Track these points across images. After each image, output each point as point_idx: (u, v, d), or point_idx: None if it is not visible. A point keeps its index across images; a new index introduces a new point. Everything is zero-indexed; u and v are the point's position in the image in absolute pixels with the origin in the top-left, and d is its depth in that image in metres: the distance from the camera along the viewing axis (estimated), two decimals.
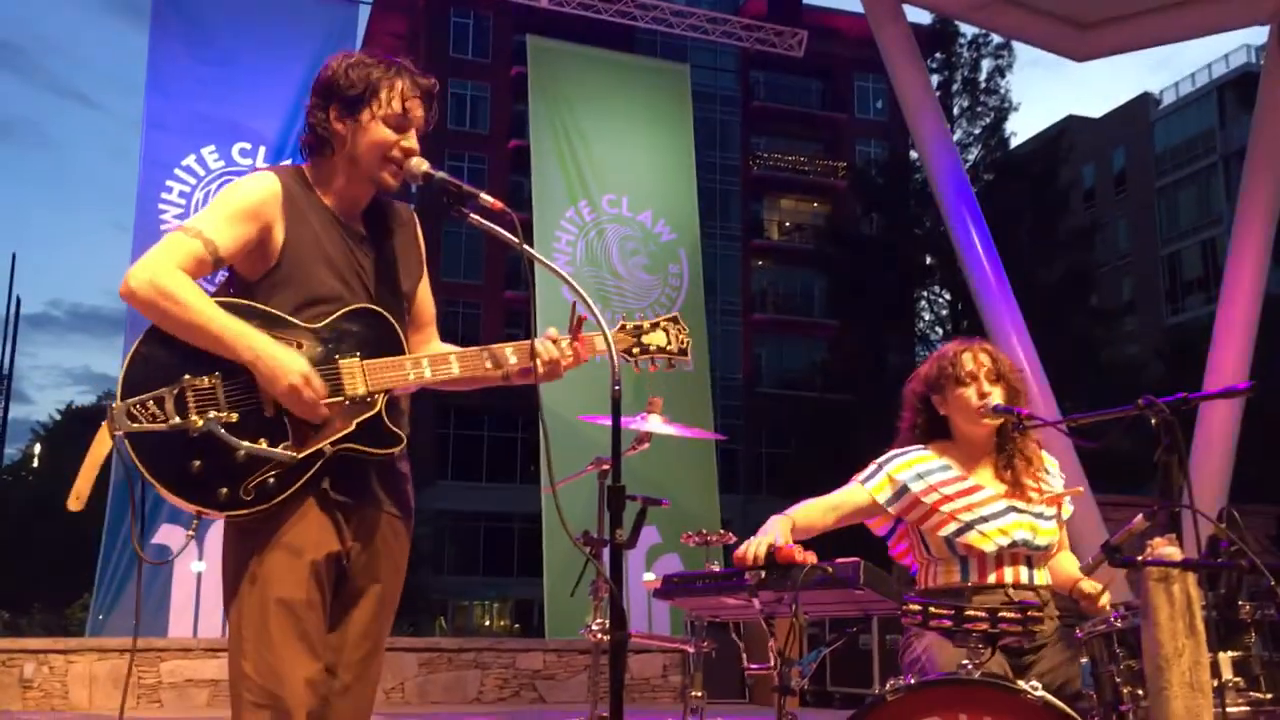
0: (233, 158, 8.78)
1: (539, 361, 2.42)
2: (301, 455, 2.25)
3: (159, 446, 2.20)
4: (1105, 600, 2.77)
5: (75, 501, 2.34)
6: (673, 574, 2.86)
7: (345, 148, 2.43)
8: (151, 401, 2.21)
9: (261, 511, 2.24)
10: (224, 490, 2.21)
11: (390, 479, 2.45)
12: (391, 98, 2.41)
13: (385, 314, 2.41)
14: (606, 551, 2.25)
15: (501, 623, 34.84)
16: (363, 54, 2.48)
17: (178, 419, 2.21)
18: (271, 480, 2.23)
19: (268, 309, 2.32)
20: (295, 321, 2.33)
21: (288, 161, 8.77)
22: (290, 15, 9.37)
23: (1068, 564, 2.98)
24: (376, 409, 2.33)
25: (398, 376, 2.36)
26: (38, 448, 39.57)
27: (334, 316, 2.35)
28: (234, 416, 2.23)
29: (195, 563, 8.07)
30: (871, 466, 3.00)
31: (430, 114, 2.50)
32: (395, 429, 2.38)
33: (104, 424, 2.24)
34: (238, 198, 2.37)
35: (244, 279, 2.38)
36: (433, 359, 2.41)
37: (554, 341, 2.45)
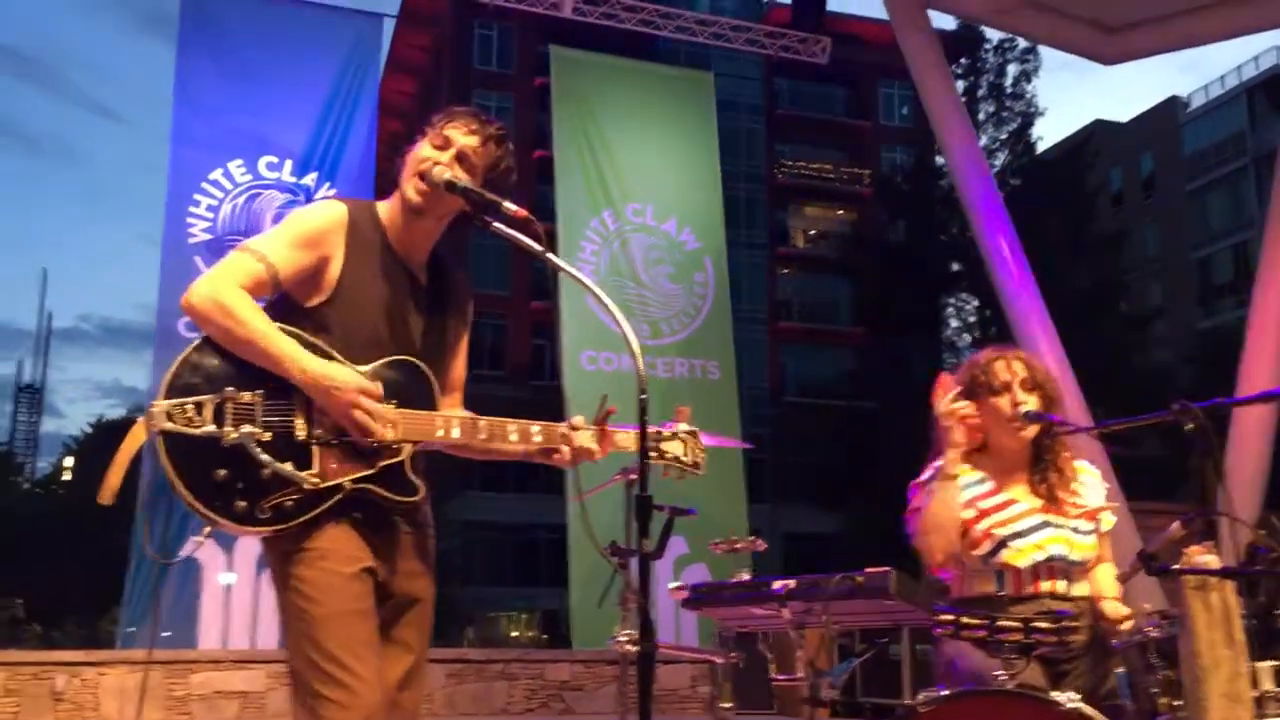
0: (260, 171, 8.83)
1: (563, 449, 2.50)
2: (323, 486, 2.29)
3: (189, 450, 2.24)
4: (1127, 626, 2.72)
5: (107, 494, 2.39)
6: (700, 584, 2.85)
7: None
8: (191, 406, 2.26)
9: (272, 532, 2.28)
10: (242, 504, 2.25)
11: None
12: (442, 126, 2.50)
13: (425, 369, 2.47)
14: (634, 562, 2.25)
15: (529, 633, 34.84)
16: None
17: (213, 427, 2.25)
18: (290, 504, 2.27)
19: (315, 341, 2.36)
20: (339, 359, 2.37)
21: (313, 176, 8.88)
22: (316, 29, 9.42)
23: (1103, 578, 2.91)
24: (401, 457, 2.39)
25: (428, 431, 2.41)
26: (69, 461, 39.92)
27: (378, 362, 2.39)
28: (267, 435, 2.28)
29: (224, 574, 8.10)
30: (925, 496, 2.95)
31: (487, 148, 2.52)
32: (414, 480, 2.42)
33: (140, 419, 2.29)
34: (302, 224, 2.44)
35: (297, 304, 2.42)
36: (463, 422, 2.47)
37: (577, 430, 2.51)
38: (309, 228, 2.41)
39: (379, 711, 2.25)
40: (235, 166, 8.79)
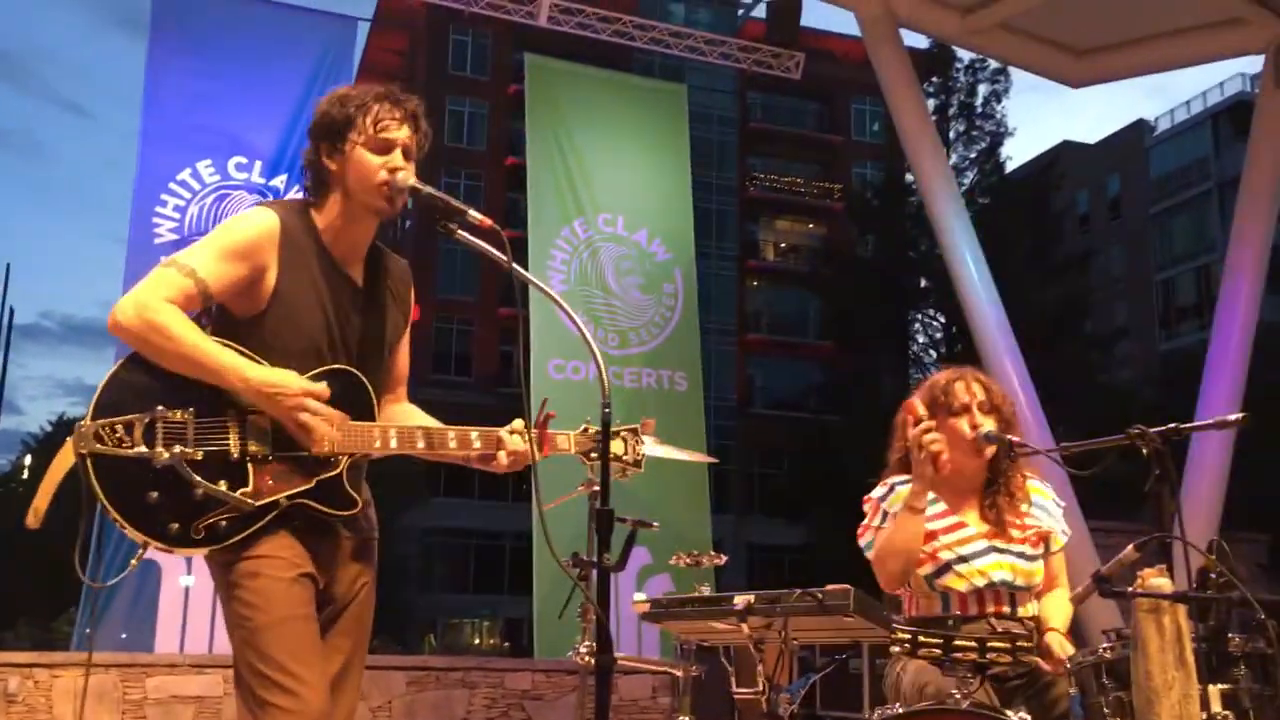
0: (229, 172, 8.77)
1: (503, 453, 2.47)
2: (257, 504, 2.26)
3: (120, 472, 2.20)
4: (1060, 665, 2.70)
5: (33, 518, 2.35)
6: (662, 597, 2.85)
7: (340, 183, 2.44)
8: (121, 426, 2.21)
9: (207, 552, 2.26)
10: (175, 526, 2.21)
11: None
12: (368, 123, 2.43)
13: (362, 379, 2.43)
14: (595, 573, 2.26)
15: (491, 641, 34.69)
16: (346, 88, 2.50)
17: (144, 448, 2.21)
18: (223, 523, 2.24)
19: (250, 354, 2.32)
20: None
21: (284, 177, 8.82)
22: (289, 31, 9.37)
23: (1053, 608, 2.90)
24: (338, 470, 2.36)
25: (365, 443, 2.38)
26: (28, 459, 39.42)
27: (313, 373, 2.35)
28: (199, 455, 2.24)
29: (184, 577, 8.02)
30: (879, 515, 2.96)
31: (420, 134, 2.50)
32: (353, 492, 2.39)
33: (68, 440, 2.24)
34: (233, 236, 2.37)
35: (231, 316, 2.38)
36: (400, 432, 2.43)
37: (519, 435, 2.49)
38: (239, 239, 2.35)
39: (325, 717, 2.23)
40: (204, 166, 8.72)
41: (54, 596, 23.88)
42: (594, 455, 2.57)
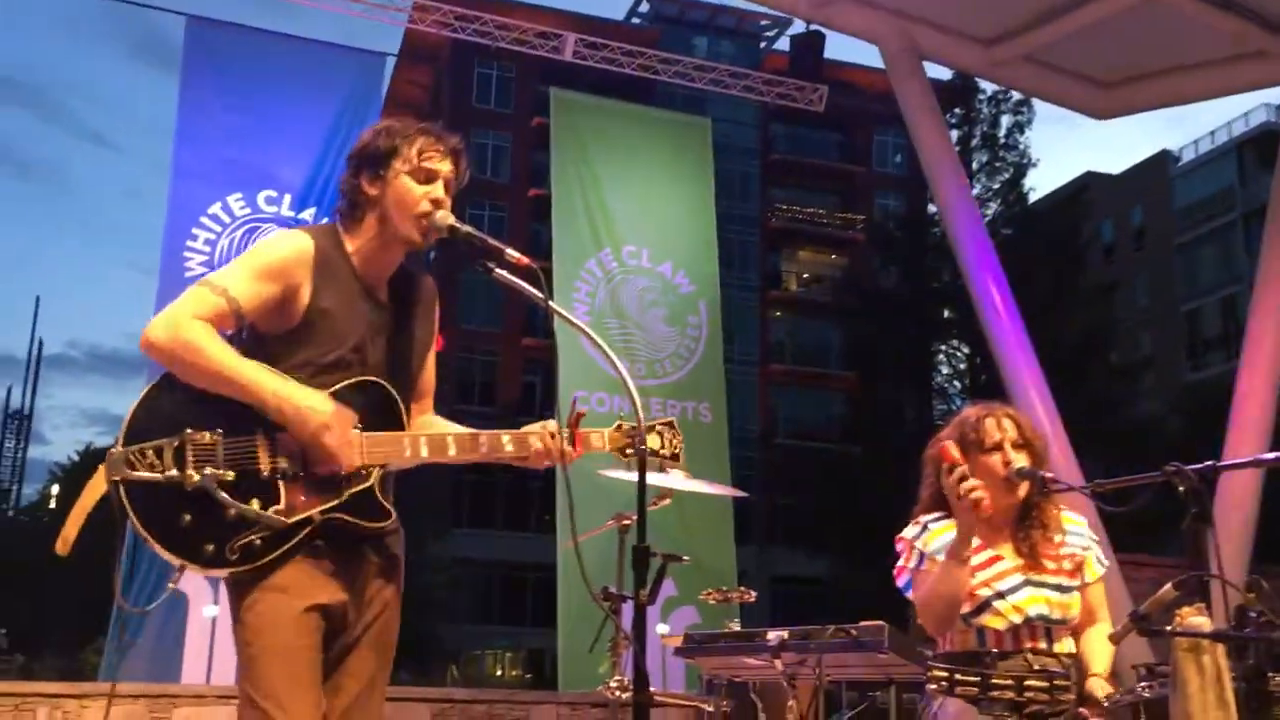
0: (259, 205, 8.86)
1: (532, 453, 2.46)
2: (290, 521, 2.27)
3: (152, 497, 2.21)
4: (1105, 712, 2.67)
5: (62, 545, 2.36)
6: (695, 633, 2.85)
7: (376, 209, 2.47)
8: (151, 451, 2.23)
9: (244, 571, 2.26)
10: (210, 547, 2.23)
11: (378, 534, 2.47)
12: (413, 153, 2.46)
13: (390, 389, 2.44)
14: (628, 609, 2.24)
15: (514, 672, 34.55)
16: (391, 120, 2.54)
17: (175, 471, 2.22)
18: (258, 542, 2.25)
19: (275, 370, 2.34)
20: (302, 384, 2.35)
21: (312, 210, 8.91)
22: (318, 65, 9.50)
23: (1095, 648, 2.85)
24: (370, 482, 2.36)
25: (394, 452, 2.39)
26: (55, 488, 39.67)
27: (340, 386, 2.37)
28: (230, 475, 2.25)
29: (209, 607, 8.04)
30: (914, 556, 2.93)
31: (461, 169, 2.54)
32: (385, 504, 2.40)
33: (100, 468, 2.26)
34: (266, 256, 2.40)
35: (260, 334, 2.40)
36: (430, 440, 2.44)
37: (551, 436, 2.47)
38: (272, 260, 2.38)
39: None
40: (234, 200, 8.83)
41: (82, 626, 23.95)
42: (629, 452, 2.54)
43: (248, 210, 8.81)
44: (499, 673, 34.79)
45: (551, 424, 2.50)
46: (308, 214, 8.91)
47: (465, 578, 32.73)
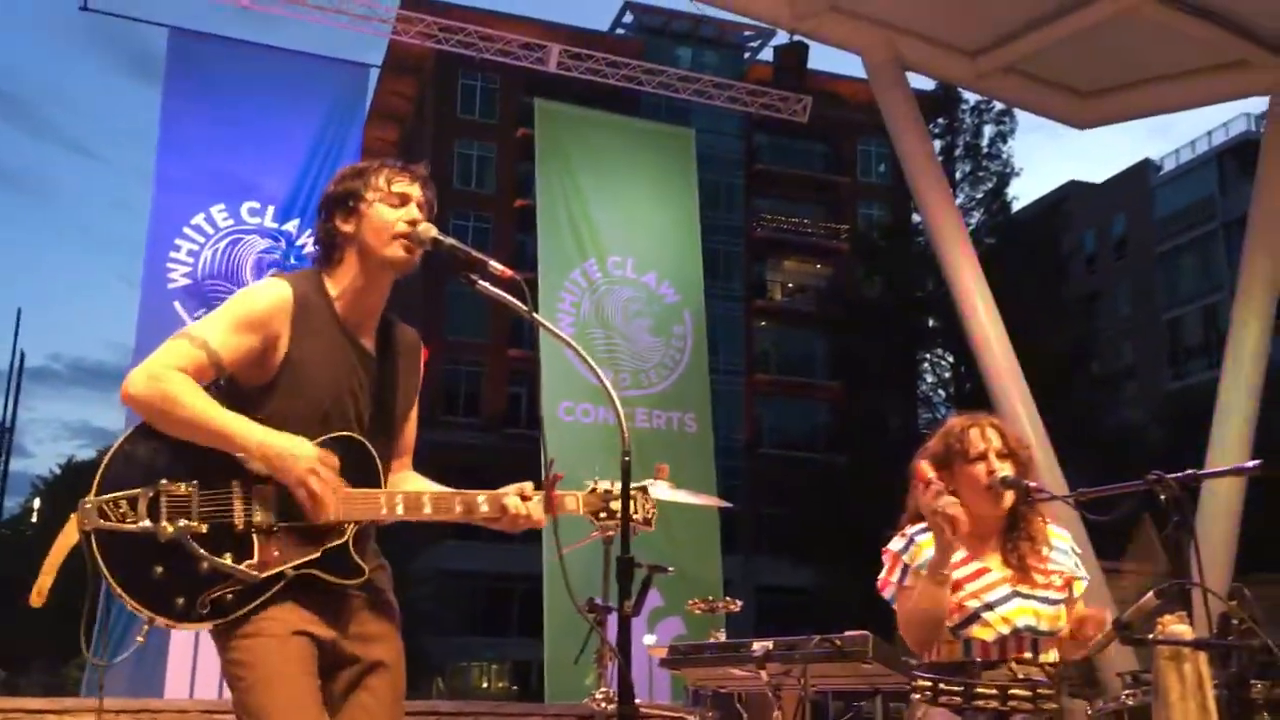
0: (242, 216, 8.83)
1: (506, 517, 2.47)
2: (263, 576, 2.25)
3: (124, 547, 2.19)
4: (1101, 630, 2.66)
5: (37, 597, 2.35)
6: (679, 643, 2.84)
7: (354, 243, 2.48)
8: (125, 501, 2.21)
9: (212, 626, 2.25)
10: (181, 600, 2.21)
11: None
12: (381, 182, 2.48)
13: (368, 446, 2.43)
14: (613, 621, 2.25)
15: (499, 684, 34.47)
16: (354, 164, 2.58)
17: (148, 522, 2.20)
18: (230, 596, 2.24)
19: (254, 424, 2.32)
20: None
21: (294, 222, 8.88)
22: (302, 76, 9.47)
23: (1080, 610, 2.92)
24: (345, 539, 2.35)
25: (371, 510, 2.38)
26: (37, 502, 39.40)
27: (319, 441, 2.35)
28: (204, 528, 2.23)
29: None
30: (899, 569, 2.94)
31: (429, 195, 2.54)
32: (359, 561, 2.38)
33: (73, 516, 2.24)
34: (245, 307, 2.39)
35: (239, 385, 2.39)
36: (406, 498, 2.43)
37: (524, 498, 2.48)
38: (251, 310, 2.37)
39: None
40: (217, 211, 8.79)
41: (65, 640, 23.77)
42: (603, 515, 2.57)
43: (231, 221, 8.78)
44: (485, 685, 34.69)
45: (528, 486, 2.50)
46: (291, 225, 8.89)
47: (451, 589, 32.63)
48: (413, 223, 2.46)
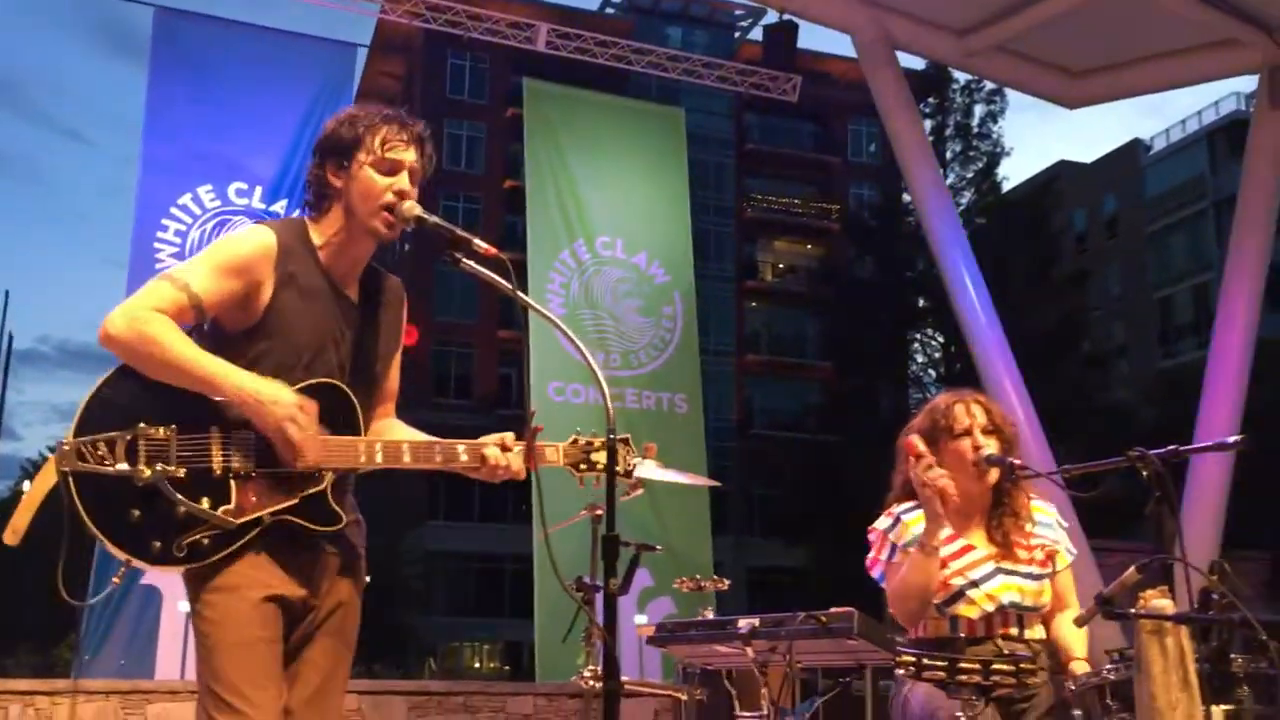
0: (229, 197, 8.81)
1: (485, 467, 2.45)
2: (239, 522, 2.26)
3: (101, 490, 2.20)
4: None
5: (11, 535, 2.33)
6: (666, 621, 2.86)
7: (342, 200, 2.46)
8: (103, 444, 2.21)
9: (188, 570, 2.26)
10: (157, 544, 2.22)
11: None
12: (376, 144, 2.44)
13: (348, 393, 2.42)
14: (600, 599, 2.25)
15: (491, 664, 34.56)
16: (356, 108, 2.51)
17: (125, 465, 2.21)
18: (206, 541, 2.24)
19: (235, 368, 2.32)
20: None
21: (284, 202, 8.85)
22: (289, 56, 9.43)
23: (1069, 634, 2.91)
24: (323, 486, 2.34)
25: (349, 457, 2.37)
26: (26, 484, 39.28)
27: (299, 387, 2.34)
28: (181, 472, 2.23)
29: (183, 603, 7.99)
30: (887, 548, 2.95)
31: (425, 158, 2.52)
32: (337, 508, 2.38)
33: (50, 459, 2.24)
34: (228, 251, 2.38)
35: (223, 330, 2.39)
36: (385, 446, 2.42)
37: (505, 449, 2.46)
38: (235, 255, 2.36)
39: None
40: (204, 192, 8.77)
41: (55, 622, 23.79)
42: (583, 467, 2.54)
43: (218, 202, 8.76)
44: (477, 665, 34.79)
45: (509, 436, 2.49)
46: (279, 206, 8.86)
47: (442, 570, 32.69)
48: (401, 194, 2.44)
